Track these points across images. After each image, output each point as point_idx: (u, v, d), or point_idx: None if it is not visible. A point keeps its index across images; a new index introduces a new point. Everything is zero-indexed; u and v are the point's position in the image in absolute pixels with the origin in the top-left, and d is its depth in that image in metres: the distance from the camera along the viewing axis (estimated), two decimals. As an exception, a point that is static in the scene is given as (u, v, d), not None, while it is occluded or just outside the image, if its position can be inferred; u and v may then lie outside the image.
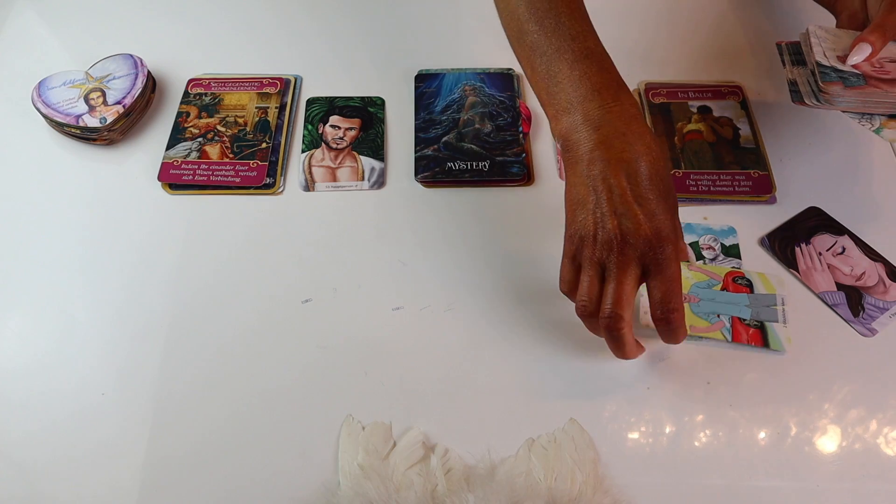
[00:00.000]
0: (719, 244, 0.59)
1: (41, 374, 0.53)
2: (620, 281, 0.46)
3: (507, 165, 0.63)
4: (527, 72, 0.53)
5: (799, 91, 0.58)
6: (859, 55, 0.55)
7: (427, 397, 0.52)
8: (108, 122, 0.63)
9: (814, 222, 0.61)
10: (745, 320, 0.54)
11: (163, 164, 0.63)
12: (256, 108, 0.68)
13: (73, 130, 0.64)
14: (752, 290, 0.53)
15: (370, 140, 0.66)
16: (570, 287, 0.50)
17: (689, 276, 0.56)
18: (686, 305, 0.52)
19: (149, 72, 0.68)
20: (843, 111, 0.58)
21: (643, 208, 0.46)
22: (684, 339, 0.49)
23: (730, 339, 0.53)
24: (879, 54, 0.55)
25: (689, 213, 0.61)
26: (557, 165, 0.64)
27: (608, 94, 0.48)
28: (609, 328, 0.47)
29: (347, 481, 0.48)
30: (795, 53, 0.61)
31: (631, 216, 0.46)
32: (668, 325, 0.47)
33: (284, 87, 0.69)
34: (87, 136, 0.64)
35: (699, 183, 0.62)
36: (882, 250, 0.59)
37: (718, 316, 0.54)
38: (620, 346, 0.49)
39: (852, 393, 0.52)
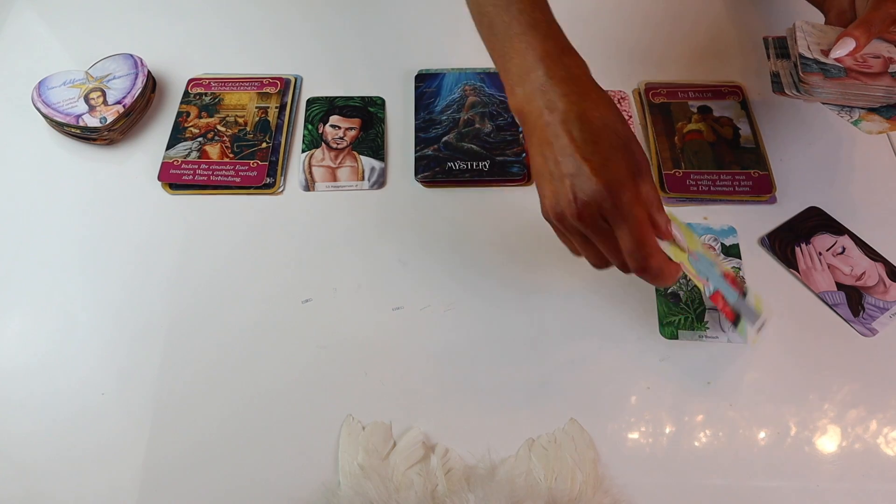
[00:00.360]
0: (719, 244, 0.59)
1: (41, 374, 0.53)
2: (602, 242, 0.46)
3: (507, 165, 0.63)
4: (491, 54, 0.52)
5: (780, 82, 0.59)
6: (843, 49, 0.55)
7: (427, 397, 0.52)
8: (108, 122, 0.63)
9: (814, 222, 0.61)
10: (727, 299, 0.52)
11: (163, 163, 0.63)
12: (256, 107, 0.68)
13: (73, 130, 0.64)
14: (744, 296, 0.52)
15: (370, 140, 0.66)
16: (573, 250, 0.50)
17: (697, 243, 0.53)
18: (673, 247, 0.49)
19: (149, 72, 0.68)
20: (823, 102, 0.58)
21: (592, 161, 0.44)
22: (678, 276, 0.48)
23: (708, 296, 0.51)
24: (863, 50, 0.56)
25: (689, 213, 0.61)
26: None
27: (550, 61, 0.47)
28: (637, 271, 0.46)
29: (347, 481, 0.48)
30: (780, 47, 0.61)
31: (581, 174, 0.44)
32: (648, 273, 0.46)
33: (284, 86, 0.69)
34: (87, 136, 0.64)
35: (699, 183, 0.62)
36: (882, 250, 0.59)
37: (708, 279, 0.51)
38: (655, 278, 0.47)
39: (852, 393, 0.52)
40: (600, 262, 0.48)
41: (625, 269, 0.47)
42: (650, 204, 0.46)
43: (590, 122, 0.45)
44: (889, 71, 0.55)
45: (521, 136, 0.65)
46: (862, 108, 0.57)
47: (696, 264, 0.50)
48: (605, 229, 0.46)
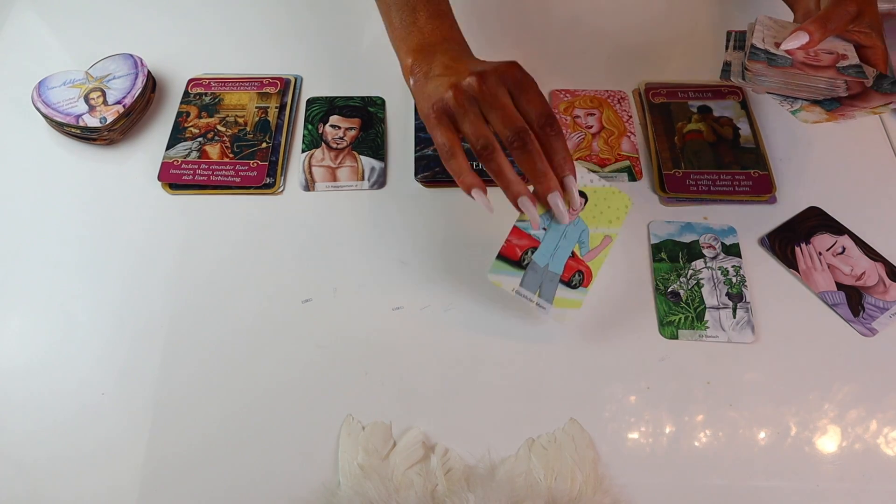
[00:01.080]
0: (720, 244, 0.59)
1: (41, 374, 0.53)
2: (499, 103, 0.50)
3: (507, 165, 0.63)
4: (385, 23, 0.60)
5: (729, 70, 0.58)
6: (795, 41, 0.55)
7: (427, 397, 0.52)
8: (108, 122, 0.63)
9: (814, 222, 0.61)
10: (534, 253, 0.54)
11: (163, 163, 0.63)
12: (256, 107, 0.68)
13: (73, 130, 0.64)
14: (571, 286, 0.54)
15: (370, 140, 0.66)
16: (451, 147, 0.51)
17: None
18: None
19: (149, 72, 0.68)
20: (767, 92, 0.58)
21: (480, 62, 0.52)
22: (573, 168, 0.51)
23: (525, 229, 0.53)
24: (819, 46, 0.55)
25: (689, 213, 0.61)
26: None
27: (455, 43, 0.56)
28: (520, 146, 0.49)
29: (347, 481, 0.48)
30: (739, 40, 0.61)
31: (475, 62, 0.53)
32: (554, 129, 0.50)
33: (284, 86, 0.69)
34: (87, 136, 0.64)
35: (699, 183, 0.62)
36: (882, 250, 0.59)
37: (545, 234, 0.54)
38: (535, 160, 0.50)
39: (852, 393, 0.52)
40: (488, 137, 0.50)
41: (517, 138, 0.50)
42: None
43: (457, 54, 0.55)
44: (837, 65, 0.55)
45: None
46: (805, 100, 0.56)
47: (561, 228, 0.53)
48: (500, 88, 0.50)
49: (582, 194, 0.55)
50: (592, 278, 0.54)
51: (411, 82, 0.55)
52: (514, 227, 0.53)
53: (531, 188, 0.51)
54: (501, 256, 0.52)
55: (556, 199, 0.50)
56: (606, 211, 0.55)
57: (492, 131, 0.50)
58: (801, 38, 0.54)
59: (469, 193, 0.51)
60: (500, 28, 0.60)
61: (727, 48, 0.61)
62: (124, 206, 0.62)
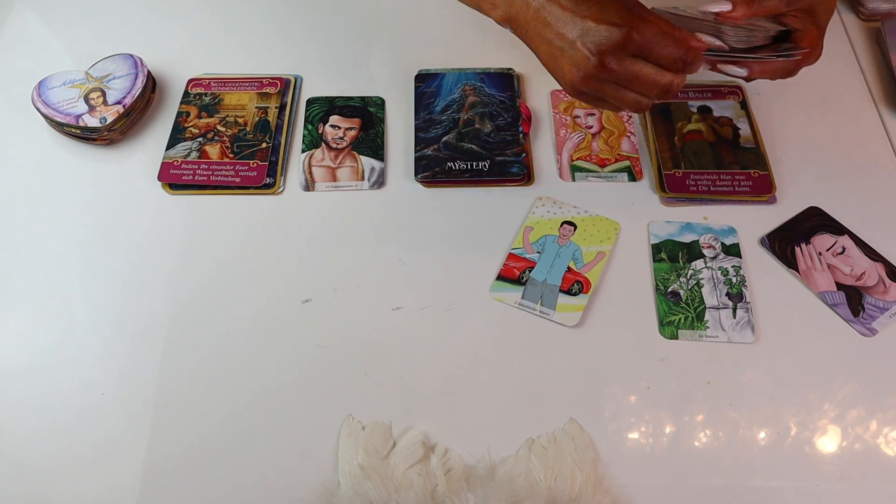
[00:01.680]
0: (719, 243, 0.59)
1: (41, 374, 0.53)
2: (635, 78, 0.49)
3: (507, 165, 0.63)
4: None
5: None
6: (717, 6, 0.52)
7: (427, 397, 0.52)
8: (108, 122, 0.63)
9: (814, 222, 0.61)
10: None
11: (163, 163, 0.63)
12: (256, 108, 0.68)
13: (73, 130, 0.64)
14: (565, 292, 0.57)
15: (370, 140, 0.66)
16: (614, 108, 0.52)
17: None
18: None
19: (149, 72, 0.68)
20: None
21: (590, 14, 0.48)
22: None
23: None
24: (740, 22, 0.52)
25: (689, 213, 0.61)
26: (557, 165, 0.64)
27: None
28: (682, 68, 0.49)
29: (347, 481, 0.48)
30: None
31: (587, 29, 0.48)
32: (694, 66, 0.49)
33: (284, 87, 0.69)
34: (87, 136, 0.64)
35: (699, 183, 0.62)
36: (882, 250, 0.59)
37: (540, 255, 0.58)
38: (696, 63, 0.49)
39: (852, 393, 0.52)
40: (641, 103, 0.50)
41: (666, 94, 0.50)
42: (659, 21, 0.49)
43: None
44: (747, 24, 0.52)
45: (521, 135, 0.65)
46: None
47: (554, 249, 0.58)
48: (633, 66, 0.48)
49: (571, 223, 0.60)
50: (592, 286, 0.56)
51: (511, 31, 0.53)
52: (510, 253, 0.58)
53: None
54: (501, 277, 0.57)
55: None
56: (597, 234, 0.59)
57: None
58: (723, 5, 0.52)
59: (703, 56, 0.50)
60: (501, 28, 0.59)
61: None
62: (124, 206, 0.62)
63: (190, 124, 0.66)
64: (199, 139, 0.65)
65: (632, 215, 0.61)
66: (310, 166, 0.64)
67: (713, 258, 0.59)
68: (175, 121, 0.67)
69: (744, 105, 0.68)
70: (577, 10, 0.48)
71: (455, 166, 0.63)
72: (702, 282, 0.57)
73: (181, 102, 0.68)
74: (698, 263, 0.58)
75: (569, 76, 0.50)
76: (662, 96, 0.50)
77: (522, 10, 0.51)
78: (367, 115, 0.68)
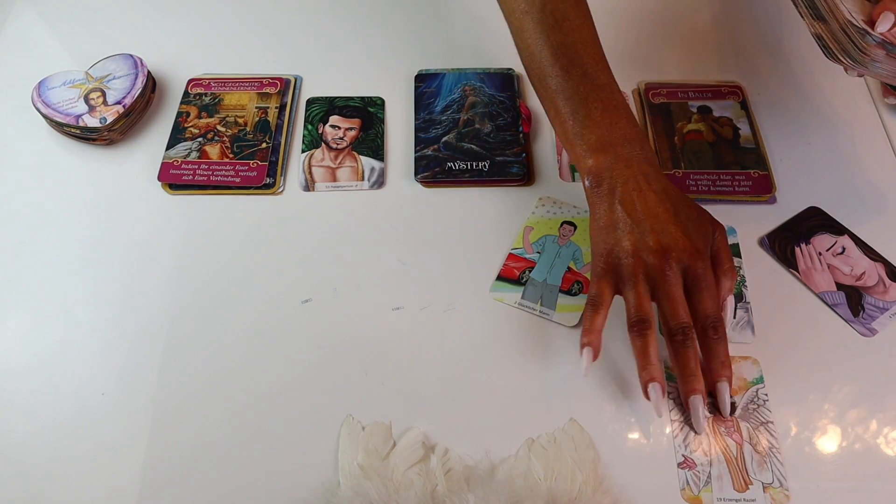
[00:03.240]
0: (719, 244, 0.59)
1: (41, 374, 0.53)
2: (673, 293, 0.49)
3: (507, 165, 0.63)
4: (549, 112, 0.56)
5: (829, 47, 0.52)
6: (886, 24, 0.49)
7: (427, 397, 0.52)
8: (108, 122, 0.63)
9: (814, 222, 0.61)
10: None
11: (163, 164, 0.64)
12: (256, 108, 0.68)
13: (73, 130, 0.64)
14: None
15: (370, 140, 0.66)
16: (600, 303, 0.50)
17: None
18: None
19: (149, 72, 0.68)
20: (874, 76, 0.53)
21: (678, 227, 0.50)
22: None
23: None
24: None
25: (689, 213, 0.61)
26: (558, 165, 0.64)
27: (637, 144, 0.53)
28: (680, 341, 0.49)
29: (347, 481, 0.48)
30: (811, 7, 0.54)
31: (669, 233, 0.49)
32: (718, 333, 0.49)
33: (284, 87, 0.69)
34: (87, 136, 0.64)
35: (699, 183, 0.62)
36: (882, 250, 0.59)
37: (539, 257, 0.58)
38: (689, 359, 0.49)
39: (852, 393, 0.52)
40: (648, 316, 0.49)
41: (644, 328, 0.49)
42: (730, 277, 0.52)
43: (673, 196, 0.51)
44: None
45: (521, 135, 0.65)
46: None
47: (555, 249, 0.58)
48: (681, 282, 0.49)
49: (571, 223, 0.60)
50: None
51: (587, 185, 0.53)
52: (510, 253, 0.58)
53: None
54: (501, 277, 0.57)
55: (697, 403, 0.49)
56: None
57: (652, 307, 0.50)
58: (889, 20, 0.48)
59: (591, 357, 0.49)
60: (501, 27, 0.59)
61: (802, 16, 0.55)
62: (124, 207, 0.62)
63: (190, 124, 0.66)
64: (199, 139, 0.65)
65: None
66: (310, 166, 0.64)
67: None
68: (175, 121, 0.67)
69: (744, 105, 0.68)
70: (669, 215, 0.50)
71: (455, 166, 0.63)
72: (702, 282, 0.57)
73: (181, 102, 0.68)
74: (698, 263, 0.58)
75: (620, 247, 0.50)
76: (640, 325, 0.49)
77: (615, 177, 0.51)
78: (366, 115, 0.68)
